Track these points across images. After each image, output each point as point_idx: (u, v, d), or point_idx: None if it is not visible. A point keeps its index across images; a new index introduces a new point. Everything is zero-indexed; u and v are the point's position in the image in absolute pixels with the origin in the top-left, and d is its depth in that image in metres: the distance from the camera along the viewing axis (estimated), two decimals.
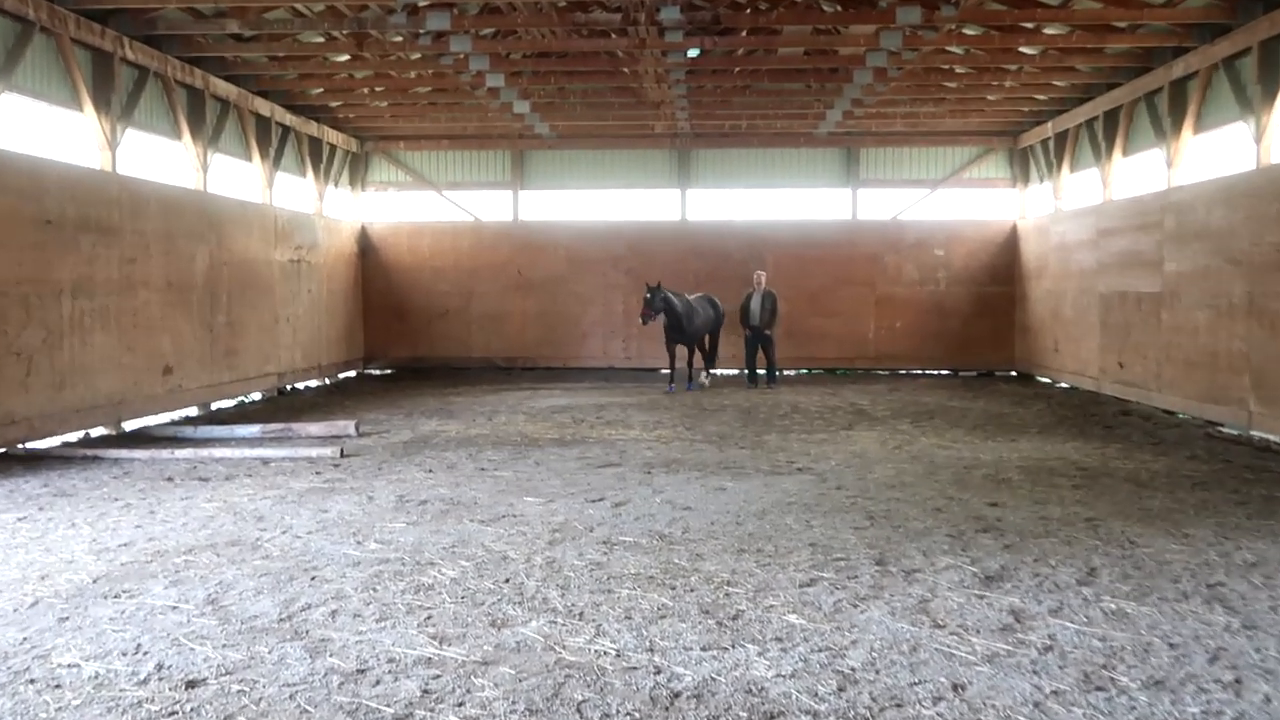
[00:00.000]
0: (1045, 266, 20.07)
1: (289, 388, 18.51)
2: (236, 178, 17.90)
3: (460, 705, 4.31)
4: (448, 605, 5.71)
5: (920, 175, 22.48)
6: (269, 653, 4.97)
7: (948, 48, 15.13)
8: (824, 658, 4.90)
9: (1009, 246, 21.77)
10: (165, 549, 7.07)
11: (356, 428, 12.67)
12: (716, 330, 18.40)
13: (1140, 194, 16.08)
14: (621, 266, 22.00)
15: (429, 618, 5.50)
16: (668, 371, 17.81)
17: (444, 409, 15.49)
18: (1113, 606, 5.71)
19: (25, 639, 5.18)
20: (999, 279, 21.78)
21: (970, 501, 8.60)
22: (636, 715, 4.18)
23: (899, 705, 4.30)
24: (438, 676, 4.65)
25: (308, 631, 5.29)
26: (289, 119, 18.96)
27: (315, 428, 12.62)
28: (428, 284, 22.46)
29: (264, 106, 17.91)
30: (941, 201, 22.72)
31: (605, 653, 4.94)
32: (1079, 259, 18.24)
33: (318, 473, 10.08)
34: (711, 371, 18.56)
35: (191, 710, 4.27)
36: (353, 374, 21.74)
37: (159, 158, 15.73)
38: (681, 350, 18.11)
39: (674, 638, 5.15)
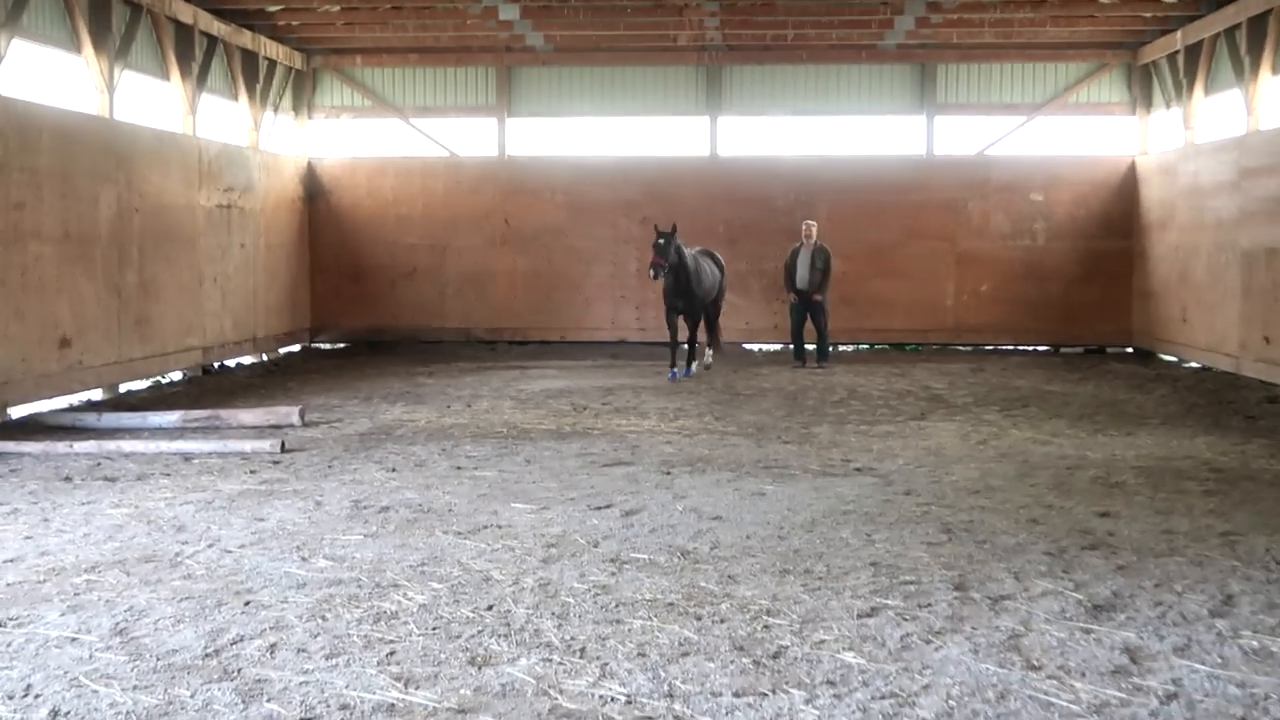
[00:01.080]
0: (1172, 216, 19.99)
1: (216, 365, 18.59)
2: (151, 101, 17.93)
3: None
4: (415, 638, 5.74)
5: (1014, 99, 22.41)
6: (191, 697, 4.98)
7: None
8: (888, 706, 4.90)
9: (1125, 190, 21.67)
10: (62, 566, 7.06)
11: (301, 415, 12.69)
12: (720, 297, 18.38)
13: None
14: (635, 215, 21.81)
15: (391, 654, 5.52)
16: (672, 349, 17.41)
17: (411, 392, 15.56)
18: (1254, 644, 5.70)
19: None
20: (1113, 231, 21.71)
21: (1074, 511, 8.60)
22: None
23: None
24: None
25: (239, 670, 5.31)
26: (217, 27, 18.98)
27: (250, 415, 12.62)
28: (391, 236, 22.35)
29: (185, 11, 17.93)
30: (1040, 133, 22.65)
31: (613, 699, 4.95)
32: (1216, 206, 18.15)
33: (252, 471, 10.10)
34: (722, 343, 18.77)
35: None
36: (296, 348, 21.80)
37: (53, 76, 15.74)
38: (683, 328, 17.55)
39: (699, 680, 5.16)
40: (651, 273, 16.40)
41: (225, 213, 18.76)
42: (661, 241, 16.37)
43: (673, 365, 17.20)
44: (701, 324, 17.64)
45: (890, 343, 22.16)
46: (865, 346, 22.07)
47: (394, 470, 10.17)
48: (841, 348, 21.49)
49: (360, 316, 22.59)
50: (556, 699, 4.95)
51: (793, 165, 22.13)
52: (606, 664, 5.37)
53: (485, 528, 7.93)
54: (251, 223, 19.83)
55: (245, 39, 20.02)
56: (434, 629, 5.87)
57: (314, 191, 22.42)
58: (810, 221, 19.20)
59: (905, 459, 10.72)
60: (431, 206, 22.40)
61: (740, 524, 8.09)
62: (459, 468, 10.27)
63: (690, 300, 16.96)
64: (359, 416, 13.44)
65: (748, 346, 22.01)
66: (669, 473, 9.96)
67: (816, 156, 22.26)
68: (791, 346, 19.25)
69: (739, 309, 21.68)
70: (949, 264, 21.97)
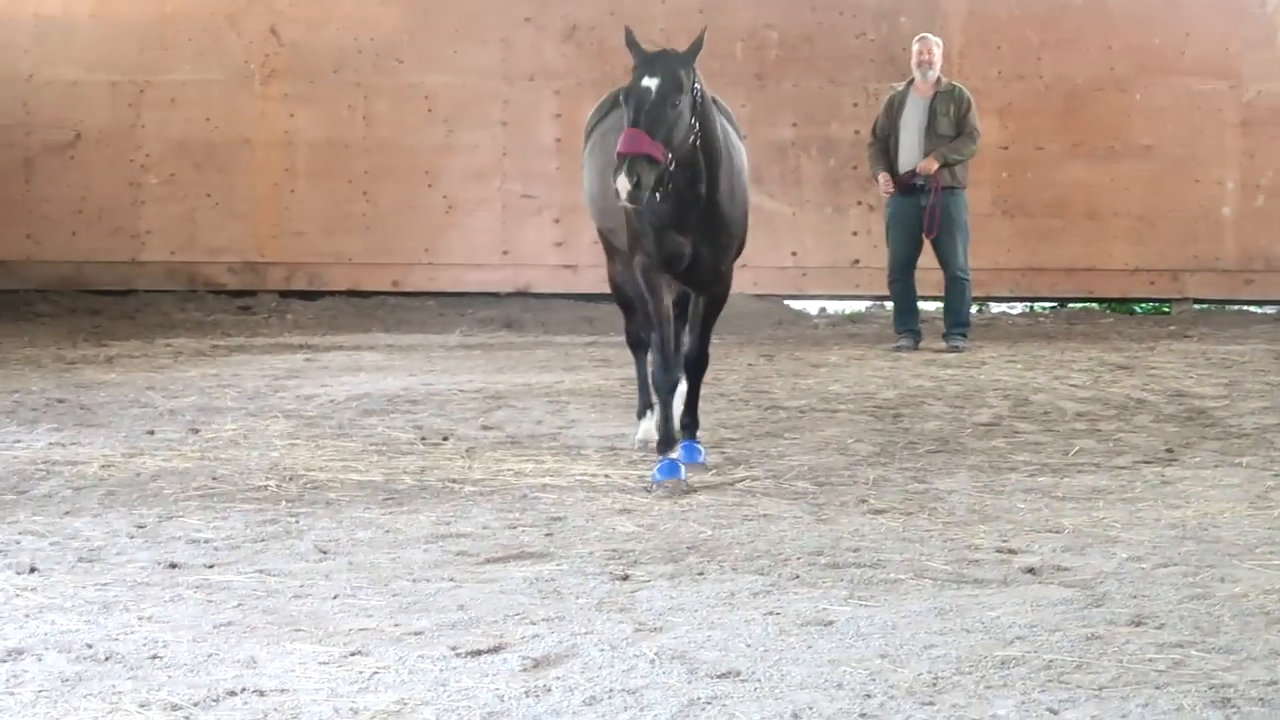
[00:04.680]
0: None
1: None
2: None
3: None
4: None
5: None
6: None
7: None
8: None
9: None
10: None
11: None
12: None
13: None
14: (554, 14, 14.60)
15: None
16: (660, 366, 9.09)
17: (70, 401, 10.95)
18: None
19: None
20: None
21: None
22: None
23: None
24: None
25: None
26: None
27: None
28: (23, 64, 14.84)
29: None
30: None
31: None
32: None
33: None
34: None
35: None
36: None
37: None
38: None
39: None
40: (623, 186, 7.32)
41: None
42: (651, 86, 7.58)
43: (648, 409, 9.16)
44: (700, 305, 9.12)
45: (1103, 299, 15.33)
46: (1048, 306, 15.50)
47: (33, 570, 6.72)
48: (997, 308, 15.75)
49: None
50: None
51: None
52: None
53: (229, 697, 5.03)
54: None
55: None
56: None
57: None
58: (929, 38, 12.70)
59: (1132, 548, 7.35)
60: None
61: (777, 691, 5.14)
62: (174, 565, 6.79)
63: (715, 245, 8.51)
64: None
65: (795, 304, 15.62)
66: (625, 576, 6.69)
67: None
68: (890, 304, 13.02)
69: (775, 224, 14.25)
70: (1228, 129, 14.61)
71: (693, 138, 7.79)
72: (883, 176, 12.35)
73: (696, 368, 8.91)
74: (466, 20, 14.76)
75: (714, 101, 9.29)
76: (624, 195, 7.43)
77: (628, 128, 7.64)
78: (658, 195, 7.69)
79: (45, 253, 15.04)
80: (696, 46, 7.86)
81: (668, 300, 8.53)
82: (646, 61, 7.75)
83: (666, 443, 8.33)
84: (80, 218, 15.03)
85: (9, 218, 14.91)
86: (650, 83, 7.64)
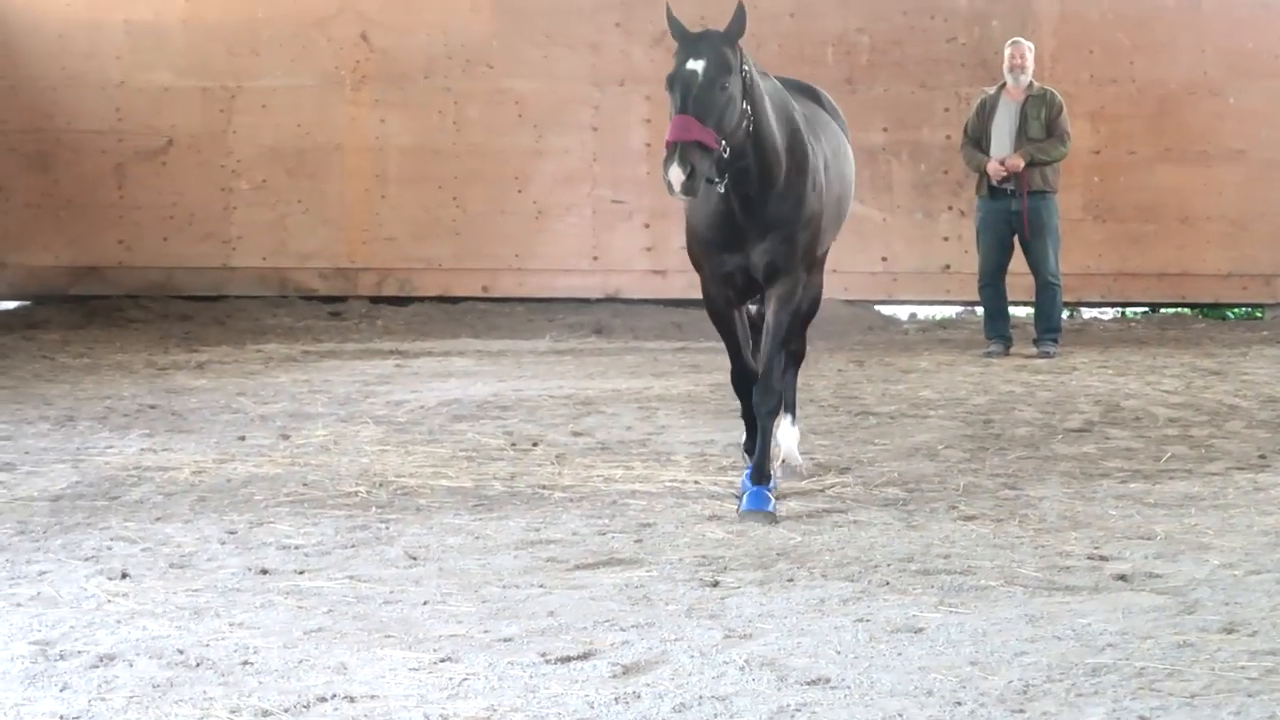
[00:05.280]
0: None
1: None
2: None
3: None
4: None
5: None
6: None
7: None
8: None
9: None
10: None
11: None
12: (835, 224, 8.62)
13: None
14: (642, 19, 14.09)
15: None
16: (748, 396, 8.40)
17: (162, 407, 10.99)
18: None
19: None
20: None
21: None
22: None
23: None
24: None
25: None
26: None
27: None
28: (116, 69, 14.80)
29: None
30: None
31: None
32: None
33: None
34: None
35: None
36: None
37: None
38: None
39: None
40: (676, 177, 6.79)
41: None
42: (698, 69, 7.02)
43: (755, 447, 8.05)
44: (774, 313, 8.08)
45: (1195, 304, 15.10)
46: (1139, 311, 15.45)
47: (124, 576, 6.71)
48: (1088, 313, 15.52)
49: (50, 245, 14.95)
50: None
51: None
52: None
53: (320, 703, 4.97)
54: None
55: None
56: None
57: None
58: (1021, 42, 12.70)
59: (1224, 555, 7.28)
60: (204, 4, 14.87)
61: (867, 699, 5.14)
62: (265, 570, 6.78)
63: (773, 245, 7.69)
64: (49, 459, 9.35)
65: (885, 309, 15.65)
66: (715, 583, 6.64)
67: None
68: (981, 309, 12.95)
69: (865, 229, 14.20)
70: None
71: (745, 124, 7.22)
72: (991, 166, 12.23)
73: (763, 390, 7.88)
74: (556, 25, 14.68)
75: (809, 90, 8.73)
76: (677, 187, 6.89)
77: (676, 114, 7.08)
78: (720, 186, 7.16)
79: (137, 258, 15.07)
80: (739, 24, 7.20)
81: (743, 317, 8.02)
82: (690, 42, 7.18)
83: (760, 471, 7.72)
84: (172, 223, 15.03)
85: (102, 223, 14.96)
86: (696, 65, 7.07)
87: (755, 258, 7.56)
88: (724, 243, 7.59)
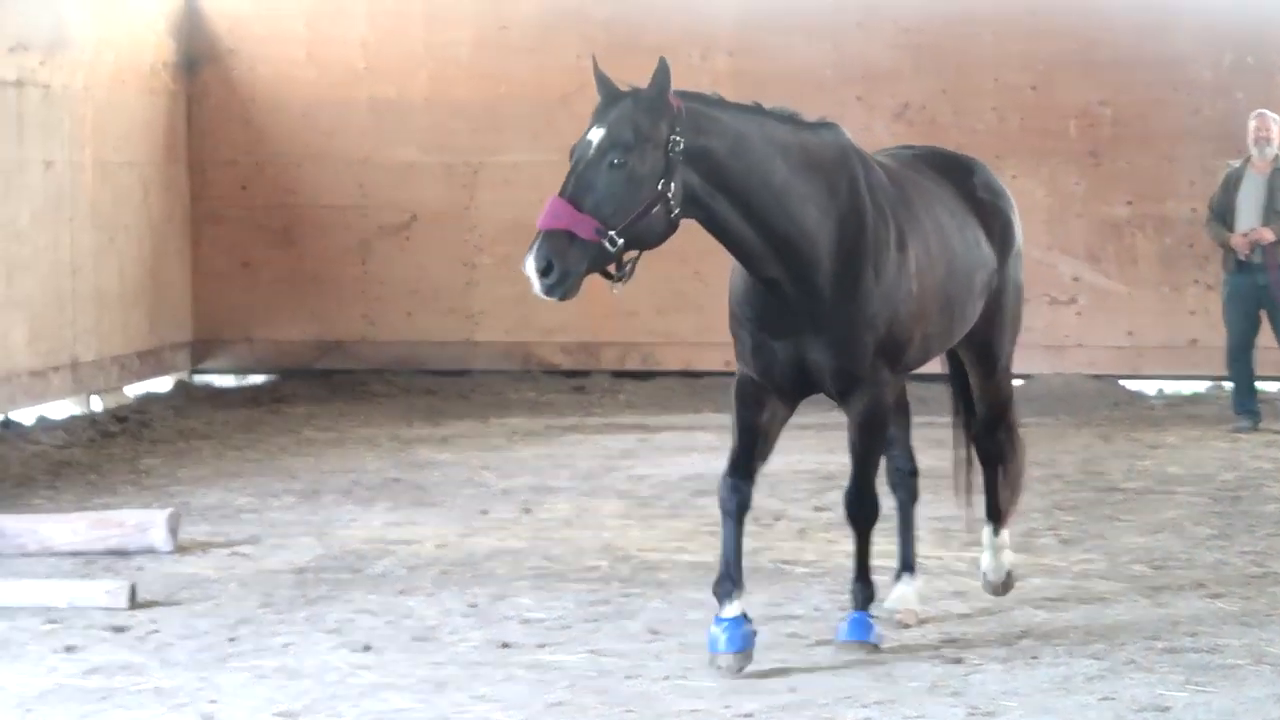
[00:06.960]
0: None
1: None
2: None
3: None
4: None
5: None
6: None
7: None
8: None
9: None
10: None
11: (171, 530, 9.10)
12: (1006, 339, 7.74)
13: None
14: (883, 95, 14.57)
15: None
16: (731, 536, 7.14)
17: (405, 481, 11.24)
18: None
19: None
20: None
21: None
22: None
23: None
24: None
25: None
26: None
27: (65, 529, 9.22)
28: (361, 146, 15.11)
29: None
30: None
31: None
32: None
33: (70, 649, 6.98)
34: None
35: None
36: (167, 385, 15.49)
37: None
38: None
39: None
40: (532, 273, 5.86)
41: (17, 91, 12.44)
42: (593, 140, 6.10)
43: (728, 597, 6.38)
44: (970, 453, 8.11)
45: None
46: None
47: (367, 648, 6.94)
48: None
49: (295, 319, 15.24)
50: None
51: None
52: None
53: None
54: (64, 121, 13.16)
55: None
56: None
57: (196, 54, 15.10)
58: (1267, 114, 12.80)
59: None
60: (448, 81, 15.01)
61: None
62: (507, 644, 7.00)
63: (826, 348, 6.31)
64: (294, 532, 9.56)
65: (1131, 384, 15.51)
66: (958, 660, 6.71)
67: None
68: (1229, 384, 13.08)
69: (1110, 303, 14.73)
70: None
71: (664, 207, 5.89)
72: (1236, 239, 12.42)
73: (856, 512, 6.74)
74: (793, 100, 14.36)
75: (947, 163, 7.41)
76: (537, 286, 5.65)
77: (554, 196, 5.93)
78: (616, 288, 6.03)
79: (381, 333, 15.33)
80: (659, 84, 5.81)
81: (766, 416, 6.51)
82: (602, 106, 5.93)
83: (860, 593, 6.60)
84: (415, 298, 15.26)
85: (346, 299, 15.22)
86: (593, 135, 5.87)
87: (813, 354, 6.29)
88: (760, 320, 6.41)
